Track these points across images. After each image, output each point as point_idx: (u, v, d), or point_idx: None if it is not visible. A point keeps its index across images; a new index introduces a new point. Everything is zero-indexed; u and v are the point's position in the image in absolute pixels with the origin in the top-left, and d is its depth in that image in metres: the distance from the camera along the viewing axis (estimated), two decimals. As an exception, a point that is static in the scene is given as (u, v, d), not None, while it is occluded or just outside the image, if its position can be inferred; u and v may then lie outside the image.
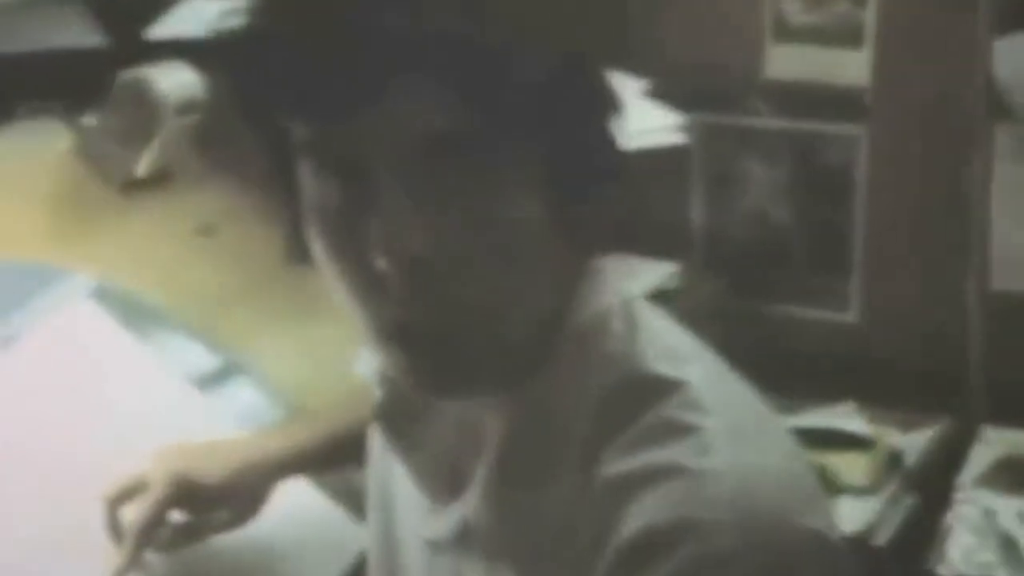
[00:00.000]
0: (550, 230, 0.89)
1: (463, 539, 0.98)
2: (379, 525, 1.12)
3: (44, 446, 1.35)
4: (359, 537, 1.34)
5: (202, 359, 1.51)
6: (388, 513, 1.10)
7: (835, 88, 2.33)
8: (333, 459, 1.34)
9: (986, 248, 2.27)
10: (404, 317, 0.88)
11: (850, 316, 2.42)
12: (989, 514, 1.99)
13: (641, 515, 0.87)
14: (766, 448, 0.91)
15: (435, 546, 1.01)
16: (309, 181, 0.89)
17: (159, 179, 1.67)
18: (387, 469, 1.09)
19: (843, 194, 2.36)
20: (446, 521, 0.99)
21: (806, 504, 0.90)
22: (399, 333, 0.89)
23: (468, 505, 0.96)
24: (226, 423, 1.45)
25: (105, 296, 1.51)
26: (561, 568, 0.92)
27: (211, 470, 1.27)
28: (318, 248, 0.90)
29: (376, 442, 1.12)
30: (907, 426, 2.24)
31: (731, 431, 0.90)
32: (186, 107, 1.64)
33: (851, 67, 2.31)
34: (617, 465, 0.89)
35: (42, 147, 1.68)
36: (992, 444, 2.17)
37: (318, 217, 0.89)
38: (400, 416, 1.00)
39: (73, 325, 1.47)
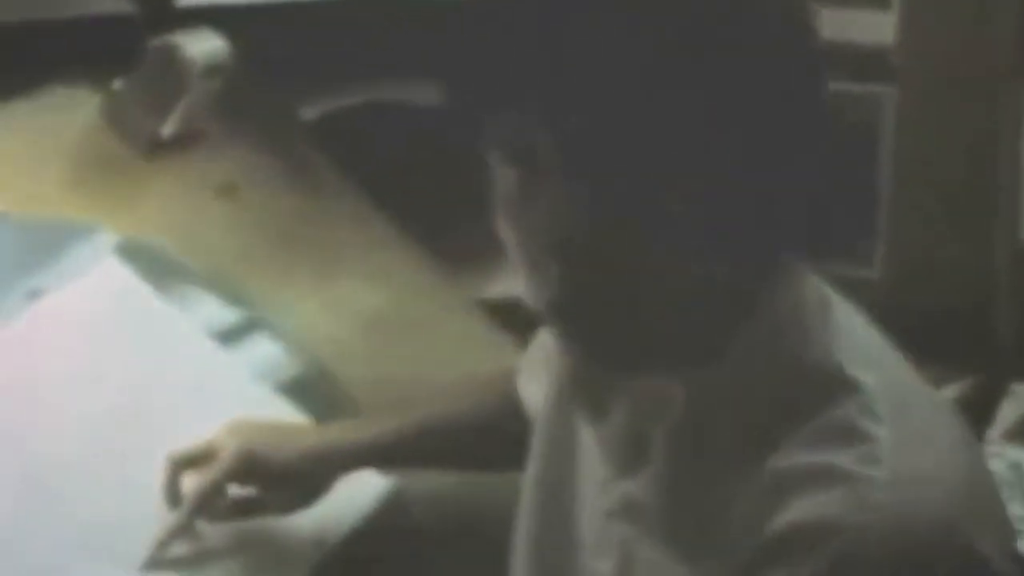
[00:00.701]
0: None
1: (633, 512, 0.99)
2: (544, 490, 1.12)
3: (68, 401, 1.36)
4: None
5: (223, 314, 1.52)
6: (563, 479, 1.10)
7: (861, 47, 2.31)
8: (401, 457, 1.35)
9: (1015, 203, 2.25)
10: (557, 298, 0.90)
11: (876, 273, 2.40)
12: (1017, 468, 2.00)
13: (797, 510, 0.88)
14: (940, 463, 0.92)
15: (609, 516, 1.03)
16: (496, 171, 0.92)
17: (183, 142, 1.68)
18: (566, 440, 1.10)
19: (869, 151, 2.35)
20: (621, 492, 1.01)
21: (976, 524, 0.90)
22: (554, 312, 0.92)
23: (643, 478, 0.98)
24: (246, 378, 1.46)
25: (128, 252, 1.52)
26: (712, 550, 0.93)
27: (280, 452, 1.28)
28: (503, 233, 0.94)
29: (550, 409, 1.13)
30: (935, 383, 2.21)
31: (904, 442, 0.90)
32: (212, 71, 1.66)
33: (877, 27, 2.29)
34: (787, 459, 0.90)
35: (70, 112, 1.69)
36: (1021, 399, 2.17)
37: (500, 204, 0.93)
38: (594, 383, 1.00)
39: (97, 281, 1.47)
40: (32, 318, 1.42)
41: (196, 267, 1.55)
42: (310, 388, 1.48)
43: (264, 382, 1.47)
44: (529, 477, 1.15)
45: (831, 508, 0.87)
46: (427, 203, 1.72)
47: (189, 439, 1.32)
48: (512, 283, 1.70)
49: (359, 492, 1.36)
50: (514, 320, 1.61)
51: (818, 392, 0.92)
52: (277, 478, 1.29)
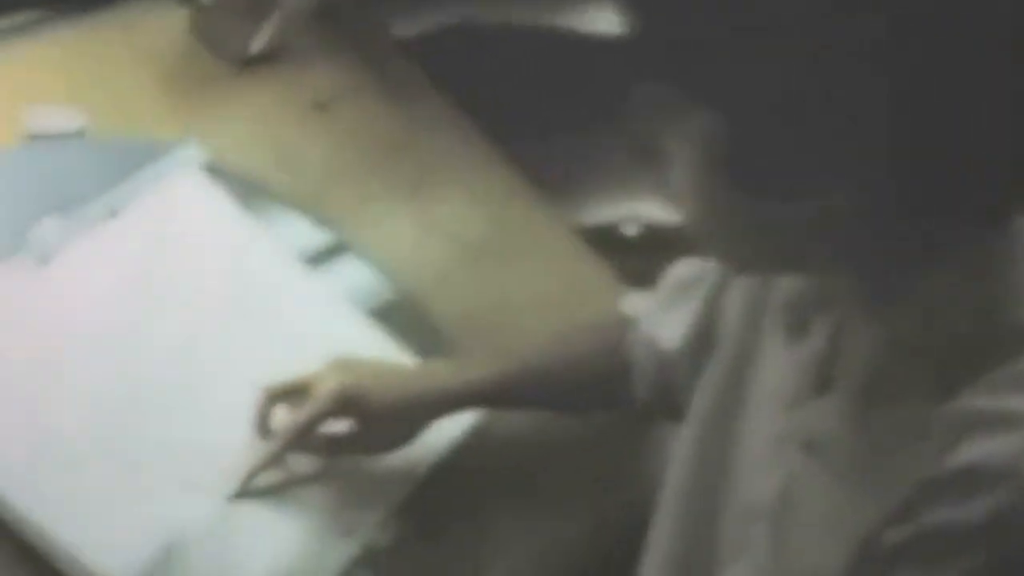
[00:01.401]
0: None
1: (808, 438, 0.96)
2: (708, 421, 1.09)
3: (151, 322, 1.32)
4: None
5: (313, 235, 1.46)
6: (728, 410, 1.07)
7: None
8: (503, 402, 1.32)
9: None
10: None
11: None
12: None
13: (969, 452, 0.84)
14: None
15: (780, 440, 1.00)
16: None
17: (274, 56, 1.61)
18: (738, 370, 1.07)
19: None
20: (799, 418, 0.98)
21: None
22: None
23: (824, 405, 0.95)
24: (334, 301, 1.41)
25: (216, 169, 1.46)
26: (879, 485, 0.89)
27: (381, 393, 1.25)
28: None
29: (728, 339, 1.10)
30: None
31: None
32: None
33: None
34: (965, 403, 0.86)
35: (157, 25, 1.63)
36: None
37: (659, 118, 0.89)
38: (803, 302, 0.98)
39: (182, 198, 1.42)
40: (115, 234, 1.37)
41: (286, 186, 1.50)
42: (399, 313, 1.43)
43: (352, 306, 1.42)
44: (689, 426, 1.11)
45: (1004, 453, 0.83)
46: (522, 127, 1.64)
47: (274, 363, 1.29)
48: (610, 209, 1.66)
49: (444, 425, 1.31)
50: (612, 247, 1.60)
51: (1006, 343, 0.87)
52: (376, 419, 1.25)
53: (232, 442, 1.25)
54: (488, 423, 1.34)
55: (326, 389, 1.23)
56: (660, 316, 1.23)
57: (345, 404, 1.24)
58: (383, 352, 1.37)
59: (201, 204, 1.43)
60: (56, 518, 1.14)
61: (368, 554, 1.24)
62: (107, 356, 1.28)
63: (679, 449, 1.12)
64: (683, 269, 1.22)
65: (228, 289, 1.38)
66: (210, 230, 1.42)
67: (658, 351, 1.23)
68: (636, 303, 1.29)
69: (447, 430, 1.32)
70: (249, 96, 1.59)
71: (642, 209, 1.63)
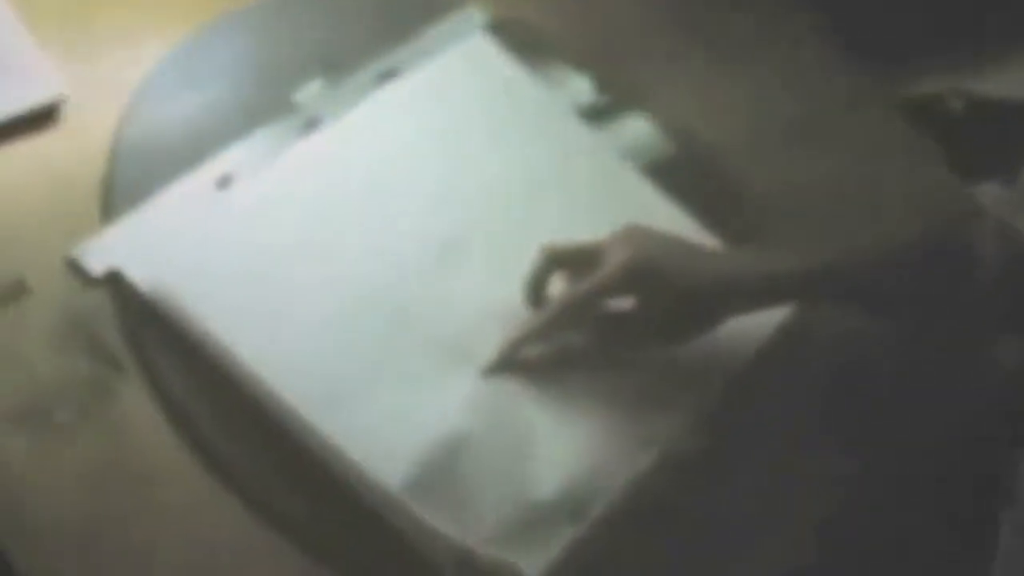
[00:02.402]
0: None
1: None
2: None
3: (428, 180, 1.20)
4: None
5: (596, 95, 1.32)
6: None
7: None
8: (814, 296, 1.14)
9: None
10: None
11: None
12: None
13: None
14: None
15: None
16: None
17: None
18: None
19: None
20: None
21: None
22: None
23: None
24: (613, 158, 1.27)
25: (498, 27, 1.33)
26: None
27: (675, 272, 1.08)
28: None
29: None
30: None
31: None
32: None
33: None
34: None
35: None
36: None
37: None
38: None
39: (461, 57, 1.29)
40: (387, 100, 1.25)
41: (574, 45, 1.35)
42: (681, 172, 1.29)
43: (631, 163, 1.28)
44: None
45: None
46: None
47: (549, 220, 1.19)
48: (935, 79, 1.48)
49: (749, 324, 1.15)
50: (934, 123, 1.42)
51: None
52: (670, 301, 1.09)
53: (504, 306, 1.12)
54: (798, 322, 1.18)
55: (618, 260, 1.07)
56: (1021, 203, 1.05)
57: (635, 280, 1.08)
58: (668, 219, 1.22)
59: (480, 64, 1.30)
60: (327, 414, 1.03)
61: (669, 465, 1.09)
62: (374, 231, 1.16)
63: None
64: None
65: (508, 151, 1.25)
66: (487, 90, 1.29)
67: (1016, 245, 1.04)
68: (989, 190, 1.10)
69: (753, 330, 1.16)
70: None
71: (971, 82, 1.45)
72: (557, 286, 1.12)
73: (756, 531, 1.08)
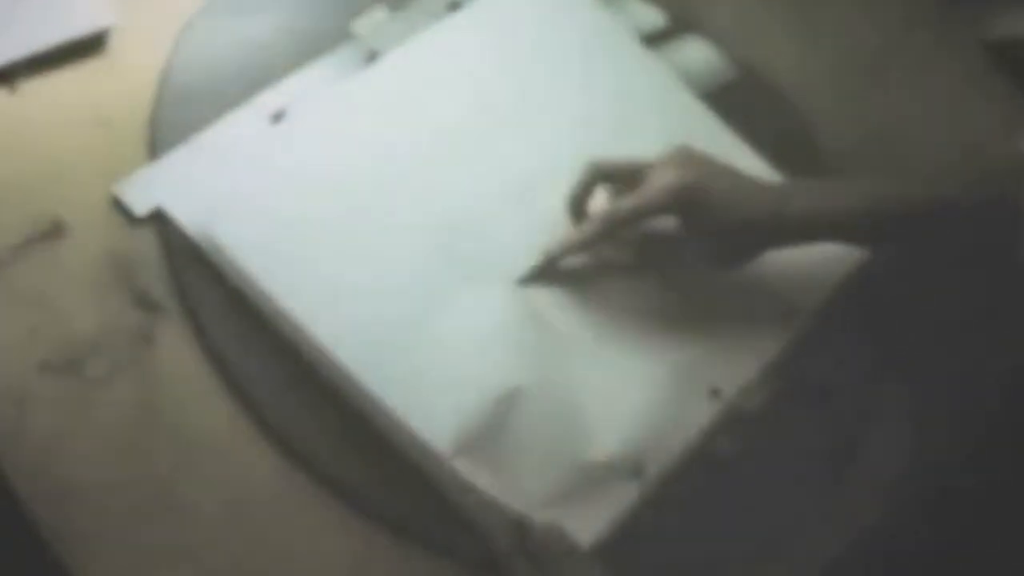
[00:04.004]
0: None
1: None
2: None
3: (496, 104, 1.14)
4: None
5: (652, 16, 1.26)
6: None
7: None
8: (867, 239, 1.08)
9: None
10: None
11: None
12: None
13: None
14: None
15: None
16: None
17: None
18: None
19: None
20: None
21: None
22: None
23: None
24: (675, 82, 1.21)
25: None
26: None
27: (722, 198, 1.03)
28: None
29: None
30: None
31: None
32: None
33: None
34: None
35: None
36: None
37: None
38: None
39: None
40: (451, 31, 1.17)
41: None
42: (743, 99, 1.23)
43: (690, 86, 1.22)
44: None
45: None
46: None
47: (606, 141, 1.13)
48: (1017, 21, 1.39)
49: (817, 273, 1.11)
50: (1017, 65, 1.33)
51: None
52: (711, 228, 1.04)
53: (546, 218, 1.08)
54: (864, 271, 1.12)
55: (665, 180, 1.03)
56: None
57: (679, 204, 1.03)
58: (727, 147, 1.16)
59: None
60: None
61: (735, 419, 1.03)
62: (449, 175, 1.08)
63: None
64: None
65: (572, 79, 1.18)
66: (548, 14, 1.21)
67: None
68: None
69: (821, 277, 1.10)
70: None
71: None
72: (599, 201, 1.08)
73: (819, 493, 1.03)
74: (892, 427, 1.08)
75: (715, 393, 1.03)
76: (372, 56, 1.13)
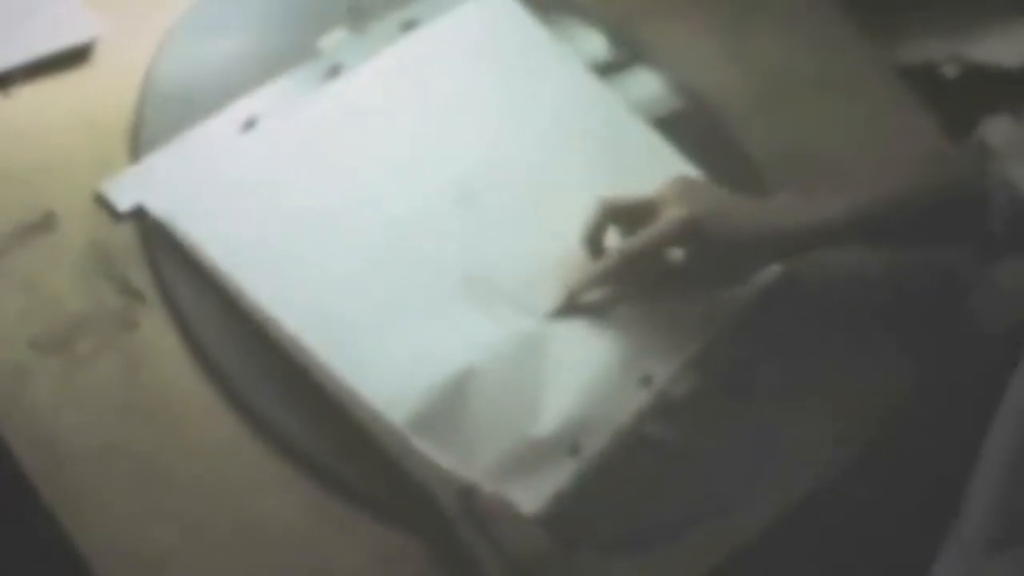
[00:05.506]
0: None
1: None
2: None
3: (444, 130, 1.20)
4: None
5: (606, 49, 1.32)
6: None
7: None
8: (840, 241, 1.16)
9: None
10: None
11: None
12: None
13: None
14: None
15: None
16: None
17: None
18: None
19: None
20: None
21: None
22: None
23: None
24: (624, 110, 1.27)
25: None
26: None
27: (729, 227, 1.11)
28: None
29: None
30: None
31: None
32: None
33: None
34: None
35: None
36: None
37: None
38: None
39: (475, 10, 1.28)
40: (410, 51, 1.24)
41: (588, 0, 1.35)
42: (689, 126, 1.29)
43: (639, 114, 1.28)
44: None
45: None
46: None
47: (558, 167, 1.20)
48: (930, 45, 1.46)
49: None
50: (930, 89, 1.40)
51: None
52: (723, 252, 1.12)
53: (532, 253, 1.14)
54: (797, 267, 1.20)
55: (676, 215, 1.10)
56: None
57: (692, 234, 1.11)
58: (677, 171, 1.22)
59: (494, 17, 1.29)
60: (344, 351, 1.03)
61: (663, 405, 1.10)
62: (391, 175, 1.16)
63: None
64: None
65: (522, 102, 1.25)
66: (500, 41, 1.28)
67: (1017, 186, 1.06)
68: (996, 129, 1.11)
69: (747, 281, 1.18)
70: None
71: (965, 49, 1.43)
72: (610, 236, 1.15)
73: (755, 469, 1.10)
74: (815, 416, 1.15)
75: (646, 380, 1.11)
76: (336, 70, 1.20)
